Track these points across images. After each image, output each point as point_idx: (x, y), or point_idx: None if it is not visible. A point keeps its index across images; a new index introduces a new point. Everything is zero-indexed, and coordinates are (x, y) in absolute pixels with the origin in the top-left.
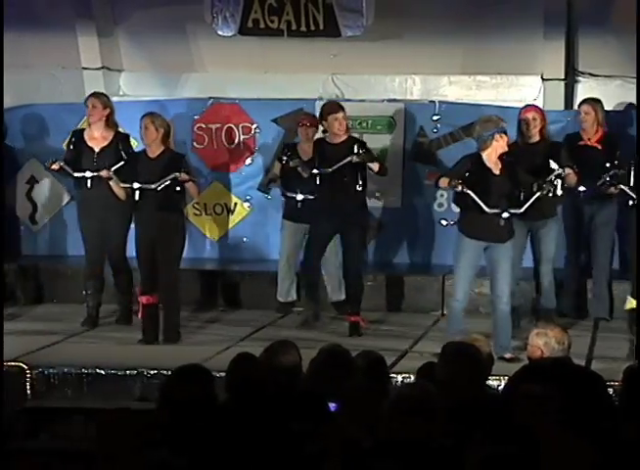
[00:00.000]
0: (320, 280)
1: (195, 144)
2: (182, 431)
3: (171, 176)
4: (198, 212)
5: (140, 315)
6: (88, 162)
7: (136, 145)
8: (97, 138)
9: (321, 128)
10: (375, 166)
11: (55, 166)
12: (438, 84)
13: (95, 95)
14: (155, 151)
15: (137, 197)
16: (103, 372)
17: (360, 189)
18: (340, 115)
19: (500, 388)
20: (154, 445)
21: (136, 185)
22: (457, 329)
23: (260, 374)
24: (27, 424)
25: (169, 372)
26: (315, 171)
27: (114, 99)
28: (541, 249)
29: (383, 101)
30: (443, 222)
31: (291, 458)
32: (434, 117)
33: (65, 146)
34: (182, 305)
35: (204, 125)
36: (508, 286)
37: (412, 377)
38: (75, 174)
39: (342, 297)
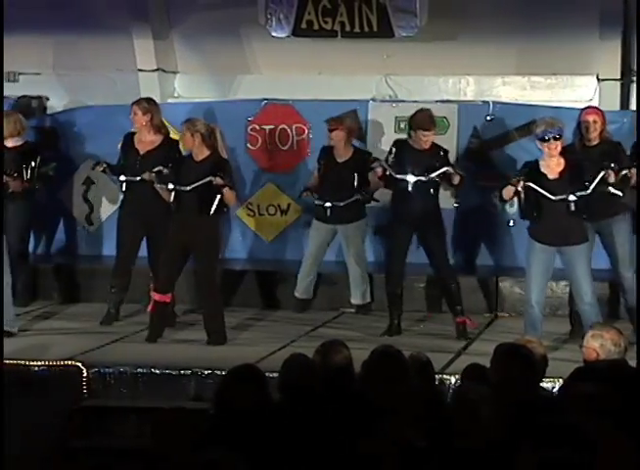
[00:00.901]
0: (402, 288)
1: (248, 145)
2: (236, 431)
3: (205, 180)
4: (251, 213)
5: (150, 309)
6: (133, 164)
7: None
8: (145, 142)
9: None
10: (456, 179)
11: (99, 168)
12: (492, 85)
13: (136, 102)
14: (199, 155)
15: (172, 198)
16: (158, 372)
17: (434, 192)
18: (430, 134)
19: (554, 390)
20: (208, 444)
21: (170, 186)
22: (535, 335)
23: (314, 374)
24: (84, 423)
25: (223, 372)
26: (413, 179)
27: (169, 100)
28: (613, 250)
29: (436, 102)
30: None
31: (345, 459)
32: (488, 118)
33: (119, 148)
34: (236, 305)
35: (257, 127)
36: (589, 286)
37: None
38: (114, 177)
39: (368, 300)
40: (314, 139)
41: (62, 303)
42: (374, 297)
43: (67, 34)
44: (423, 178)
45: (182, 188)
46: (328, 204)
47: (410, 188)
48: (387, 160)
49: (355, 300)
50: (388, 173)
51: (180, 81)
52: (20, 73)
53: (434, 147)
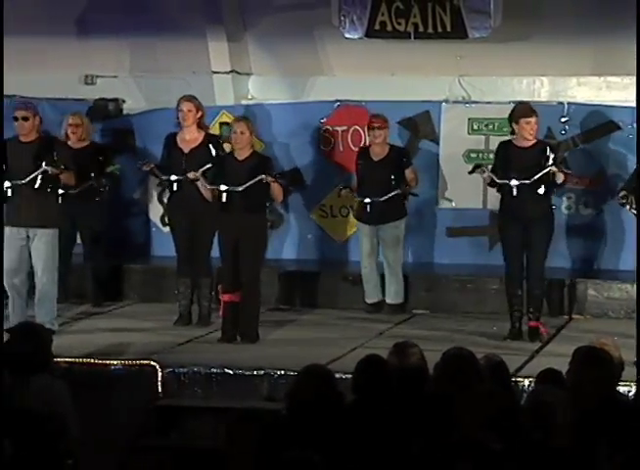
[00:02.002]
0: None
1: (321, 146)
2: (309, 432)
3: (257, 178)
4: (324, 215)
5: (221, 314)
6: (177, 164)
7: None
8: (188, 140)
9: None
10: (560, 177)
11: (146, 168)
12: (567, 85)
13: (188, 99)
14: (243, 153)
15: (224, 199)
16: (231, 372)
17: (543, 192)
18: (532, 119)
19: (630, 394)
20: (281, 445)
21: (223, 187)
22: None
23: (388, 375)
24: (159, 422)
25: (296, 373)
26: (516, 183)
27: (243, 102)
28: None
29: (509, 103)
30: None
31: (419, 461)
32: (563, 119)
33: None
34: (307, 306)
35: (330, 128)
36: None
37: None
38: (163, 177)
39: (401, 300)
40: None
41: (136, 302)
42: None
43: (143, 37)
44: (527, 181)
45: (234, 188)
46: (367, 200)
47: (515, 192)
48: (494, 164)
49: (389, 299)
50: (491, 179)
51: (254, 83)
52: (97, 76)
53: (539, 144)
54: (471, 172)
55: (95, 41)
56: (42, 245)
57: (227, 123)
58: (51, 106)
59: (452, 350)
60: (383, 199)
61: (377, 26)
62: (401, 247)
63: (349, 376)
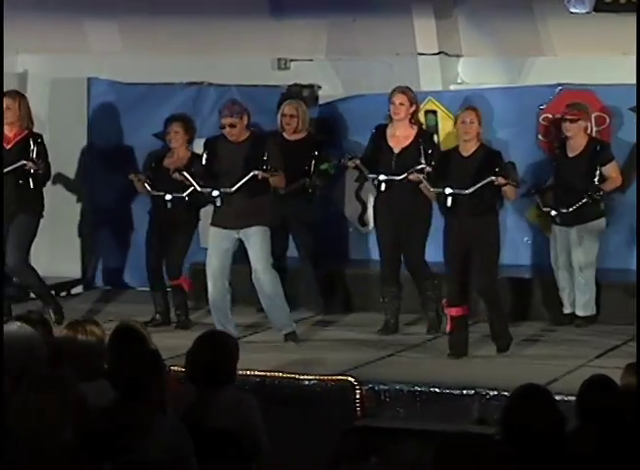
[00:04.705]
0: None
1: (540, 137)
2: (526, 460)
3: (486, 180)
4: (541, 214)
5: (448, 328)
6: (386, 161)
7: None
8: (398, 137)
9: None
10: None
11: (351, 164)
12: None
13: (402, 91)
14: (469, 148)
15: (449, 203)
16: (437, 390)
17: None
18: None
19: None
20: None
21: (448, 190)
22: None
23: (618, 401)
24: (357, 445)
25: (510, 393)
26: None
27: (451, 87)
28: None
29: None
30: None
31: None
32: None
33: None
34: (519, 318)
35: (550, 116)
36: None
37: None
38: (370, 175)
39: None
40: (616, 130)
41: (332, 311)
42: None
43: (341, 16)
44: None
45: (460, 192)
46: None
47: None
48: None
49: (579, 310)
50: None
51: (464, 65)
52: (291, 60)
53: None
54: None
55: (289, 21)
56: (257, 240)
57: (433, 112)
58: (241, 93)
59: None
60: (571, 209)
61: None
62: (596, 251)
63: (572, 398)
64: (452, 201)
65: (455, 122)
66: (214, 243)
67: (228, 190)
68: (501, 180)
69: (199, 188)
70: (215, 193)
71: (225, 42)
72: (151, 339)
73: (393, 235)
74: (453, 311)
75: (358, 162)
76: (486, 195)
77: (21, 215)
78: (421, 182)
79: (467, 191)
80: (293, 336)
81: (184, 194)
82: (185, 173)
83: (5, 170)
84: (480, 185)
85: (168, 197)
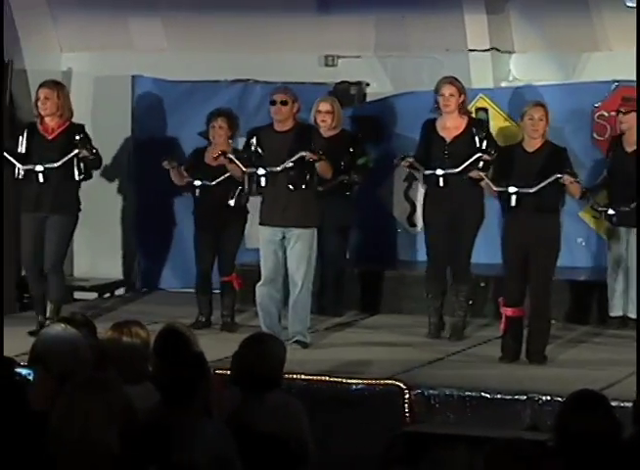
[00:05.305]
0: None
1: (595, 135)
2: (580, 468)
3: (552, 178)
4: (597, 214)
5: (502, 329)
6: (439, 153)
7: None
8: (449, 128)
9: None
10: None
11: (405, 163)
12: None
13: (450, 81)
14: (535, 144)
15: (513, 202)
16: (488, 396)
17: None
18: None
19: None
20: None
21: (512, 189)
22: None
23: None
24: (406, 450)
25: (563, 399)
26: None
27: (503, 84)
28: None
29: None
30: None
31: None
32: None
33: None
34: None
35: (606, 113)
36: None
37: None
38: (427, 171)
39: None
40: None
41: (383, 313)
42: None
43: (390, 11)
44: None
45: (526, 190)
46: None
47: None
48: None
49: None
50: None
51: (516, 62)
52: (338, 57)
53: None
54: None
55: (336, 18)
56: (299, 246)
57: (484, 109)
58: None
59: None
60: (633, 205)
61: None
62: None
63: (629, 404)
64: (517, 200)
65: (522, 118)
66: (264, 243)
67: (274, 168)
68: (568, 178)
69: (243, 168)
70: (261, 171)
71: (272, 39)
72: (196, 341)
73: (443, 233)
74: (509, 311)
75: (412, 160)
76: (550, 193)
77: (58, 216)
78: (482, 180)
79: (532, 190)
80: (302, 344)
81: (225, 176)
82: (230, 155)
83: (57, 164)
84: (546, 182)
85: (197, 183)
